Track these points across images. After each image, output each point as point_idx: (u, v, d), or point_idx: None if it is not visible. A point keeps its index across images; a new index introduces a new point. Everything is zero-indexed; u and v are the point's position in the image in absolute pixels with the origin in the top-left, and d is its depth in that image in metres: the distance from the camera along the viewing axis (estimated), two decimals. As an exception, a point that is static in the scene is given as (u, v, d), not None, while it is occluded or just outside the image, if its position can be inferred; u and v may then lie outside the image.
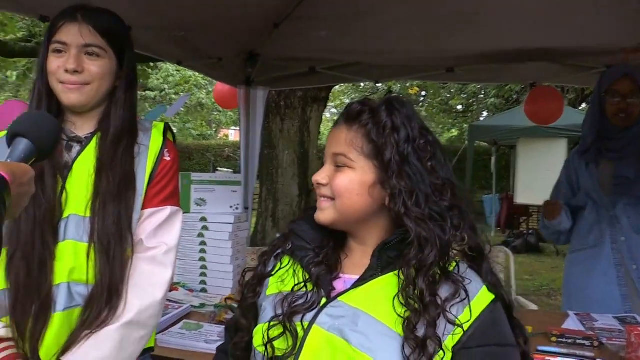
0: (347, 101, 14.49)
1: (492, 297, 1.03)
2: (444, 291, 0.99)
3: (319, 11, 3.09)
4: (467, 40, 3.13)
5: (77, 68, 1.36)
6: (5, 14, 6.57)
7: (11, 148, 1.01)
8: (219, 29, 3.22)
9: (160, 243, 1.40)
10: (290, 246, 1.15)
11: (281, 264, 1.16)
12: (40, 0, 2.50)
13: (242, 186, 2.29)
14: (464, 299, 0.98)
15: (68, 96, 1.39)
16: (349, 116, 1.11)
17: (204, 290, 2.38)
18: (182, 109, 18.37)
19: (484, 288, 1.03)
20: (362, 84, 13.80)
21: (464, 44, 3.21)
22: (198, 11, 2.90)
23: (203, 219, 2.31)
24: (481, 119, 16.75)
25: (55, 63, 1.38)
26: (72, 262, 1.33)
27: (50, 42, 1.40)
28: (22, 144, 1.01)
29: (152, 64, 9.23)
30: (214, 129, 25.03)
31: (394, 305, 0.99)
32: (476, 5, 2.71)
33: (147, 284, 1.34)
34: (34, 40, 7.30)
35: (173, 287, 2.27)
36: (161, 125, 1.54)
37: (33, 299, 1.29)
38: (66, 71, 1.36)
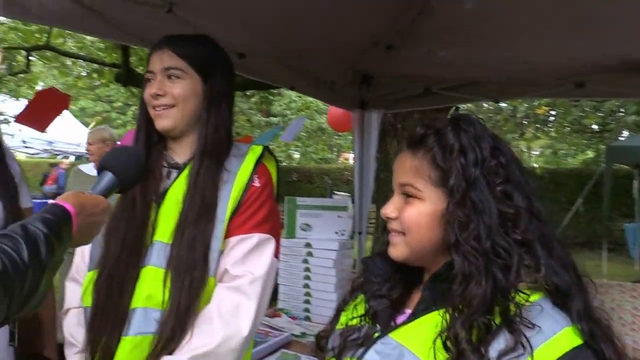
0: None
1: (578, 342, 0.83)
2: (500, 342, 0.83)
3: (431, 27, 2.95)
4: (599, 48, 2.82)
5: (159, 91, 1.41)
6: (145, 49, 7.16)
7: (97, 180, 1.09)
8: (331, 52, 3.20)
9: (246, 272, 1.34)
10: (361, 280, 1.12)
11: (355, 298, 1.12)
12: (237, 40, 2.61)
13: (348, 211, 2.20)
14: (523, 353, 0.81)
15: (158, 121, 1.44)
16: (412, 141, 1.02)
17: (307, 319, 2.32)
18: (303, 134, 18.90)
19: (568, 330, 0.84)
20: (484, 105, 13.22)
21: (595, 52, 2.90)
22: (310, 36, 2.90)
23: (308, 245, 2.26)
24: (620, 138, 15.31)
25: (146, 91, 1.45)
26: (151, 287, 1.33)
27: (146, 72, 1.47)
28: (106, 177, 1.13)
29: (274, 91, 9.58)
30: (335, 153, 25.43)
31: (434, 346, 0.87)
32: (611, 7, 2.41)
33: (229, 315, 1.28)
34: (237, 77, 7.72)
35: (275, 313, 2.23)
36: (258, 150, 1.51)
37: (109, 320, 1.31)
38: (152, 96, 1.43)
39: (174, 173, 1.47)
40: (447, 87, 3.65)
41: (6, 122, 11.06)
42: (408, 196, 1.02)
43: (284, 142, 19.88)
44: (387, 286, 1.05)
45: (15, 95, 12.19)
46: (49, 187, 14.65)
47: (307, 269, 2.28)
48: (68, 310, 1.44)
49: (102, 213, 1.05)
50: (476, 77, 3.60)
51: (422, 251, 1.00)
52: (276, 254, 1.44)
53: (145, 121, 1.49)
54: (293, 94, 17.22)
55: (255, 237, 1.39)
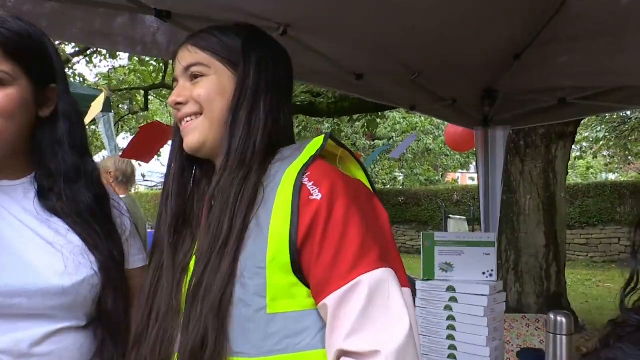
0: (593, 135, 12.86)
1: None
2: None
3: (567, 32, 2.62)
4: None
5: (178, 98, 1.09)
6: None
7: None
8: (453, 68, 2.95)
9: (372, 349, 0.84)
10: None
11: None
12: (355, 61, 2.51)
13: (495, 247, 1.87)
14: None
15: (184, 141, 1.12)
16: None
17: (453, 379, 1.98)
18: (409, 155, 18.49)
19: None
20: (614, 114, 12.10)
21: None
22: (430, 51, 2.67)
23: (450, 289, 1.90)
24: None
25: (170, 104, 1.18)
26: None
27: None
28: None
29: (380, 114, 9.38)
30: (440, 174, 24.67)
31: None
32: None
33: None
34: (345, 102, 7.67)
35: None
36: (317, 142, 0.99)
37: None
38: (173, 108, 1.14)
39: None
40: (586, 95, 3.22)
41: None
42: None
43: (388, 164, 19.60)
44: None
45: (135, 132, 13.03)
46: (167, 217, 15.41)
47: (451, 318, 1.91)
48: None
49: None
50: (621, 83, 3.15)
51: None
52: (403, 283, 0.94)
53: (180, 147, 1.13)
54: (397, 115, 16.92)
55: (362, 284, 0.87)
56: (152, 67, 9.46)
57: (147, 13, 1.86)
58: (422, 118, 16.54)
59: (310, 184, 0.92)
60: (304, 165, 0.95)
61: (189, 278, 1.01)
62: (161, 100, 12.77)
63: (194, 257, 1.03)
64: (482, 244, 1.88)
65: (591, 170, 22.39)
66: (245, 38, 1.09)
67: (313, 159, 0.96)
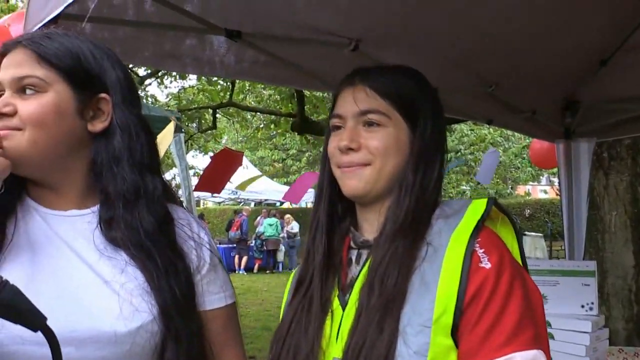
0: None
1: None
2: None
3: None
4: None
5: (351, 144, 1.03)
6: (317, 95, 7.30)
7: None
8: (533, 78, 2.77)
9: None
10: None
11: None
12: (342, 75, 2.46)
13: (596, 277, 1.69)
14: None
15: (345, 183, 1.05)
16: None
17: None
18: (477, 168, 17.98)
19: None
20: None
21: None
22: (509, 62, 2.53)
23: (546, 324, 1.73)
24: None
25: (332, 143, 1.08)
26: None
27: (330, 117, 1.11)
28: None
29: (447, 126, 9.16)
30: (510, 186, 23.83)
31: None
32: None
33: None
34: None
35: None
36: (480, 205, 0.99)
37: None
38: (340, 150, 1.04)
39: (365, 255, 1.06)
40: (684, 103, 2.95)
41: (197, 175, 12.11)
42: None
43: (455, 177, 19.11)
44: None
45: (204, 150, 13.37)
46: (234, 233, 15.71)
47: (550, 356, 1.74)
48: None
49: None
50: None
51: None
52: None
53: (329, 184, 1.10)
54: (465, 128, 16.50)
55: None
56: (219, 86, 9.68)
57: (218, 33, 1.84)
58: (491, 129, 16.02)
59: (481, 251, 0.93)
60: (474, 230, 0.95)
61: (334, 323, 1.01)
62: (228, 119, 13.06)
63: (336, 299, 1.03)
64: (580, 273, 1.69)
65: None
66: (418, 87, 1.08)
67: (482, 223, 0.96)
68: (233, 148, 20.98)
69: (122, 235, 1.00)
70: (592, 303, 1.70)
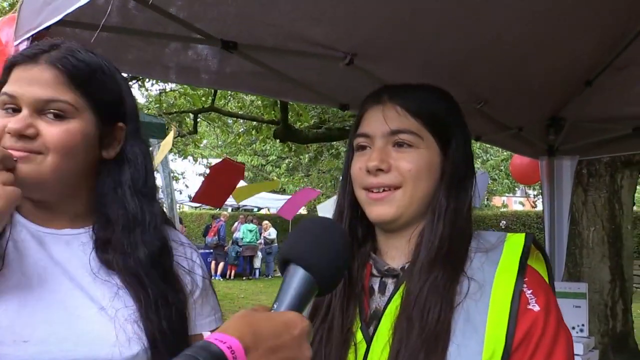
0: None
1: None
2: None
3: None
4: None
5: (381, 164, 0.97)
6: (301, 104, 7.28)
7: (282, 284, 0.69)
8: (521, 95, 2.82)
9: None
10: None
11: None
12: (338, 89, 2.46)
13: (587, 299, 1.70)
14: None
15: (373, 208, 0.99)
16: None
17: None
18: (455, 180, 18.14)
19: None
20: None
21: None
22: (498, 79, 2.55)
23: None
24: None
25: (358, 164, 1.02)
26: None
27: (354, 136, 1.06)
28: (299, 279, 0.69)
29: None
30: (486, 197, 24.11)
31: None
32: None
33: None
34: (324, 125, 7.92)
35: None
36: (519, 241, 0.96)
37: None
38: (369, 172, 0.99)
39: (391, 284, 1.00)
40: (665, 125, 3.01)
41: (175, 179, 11.98)
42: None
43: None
44: None
45: (184, 154, 13.23)
46: (211, 238, 15.55)
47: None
48: None
49: (299, 343, 0.63)
50: None
51: None
52: None
53: (350, 206, 1.05)
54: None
55: None
56: (201, 91, 9.60)
57: (214, 44, 1.81)
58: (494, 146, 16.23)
59: (529, 292, 0.90)
60: (520, 268, 0.91)
61: (358, 357, 0.94)
62: (209, 123, 12.96)
63: (359, 331, 0.97)
64: (572, 295, 1.70)
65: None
66: (448, 107, 1.04)
67: (525, 260, 0.93)
68: (213, 153, 20.82)
69: (116, 259, 0.98)
70: (583, 325, 1.71)
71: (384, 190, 0.98)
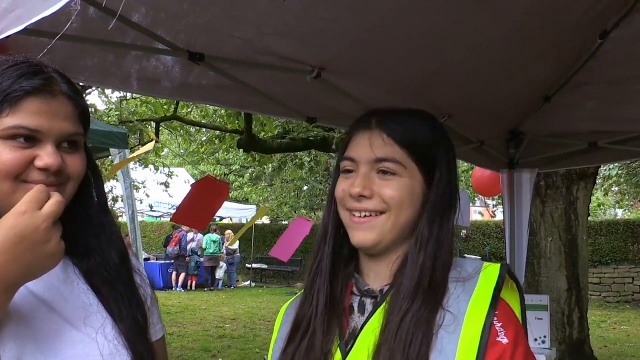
0: (605, 173, 12.75)
1: None
2: None
3: (600, 76, 2.56)
4: None
5: (365, 191, 0.98)
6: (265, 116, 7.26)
7: None
8: (482, 110, 2.88)
9: None
10: None
11: None
12: (306, 103, 2.46)
13: (549, 312, 1.74)
14: None
15: (356, 233, 1.00)
16: None
17: None
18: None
19: None
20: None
21: None
22: (462, 94, 2.61)
23: None
24: None
25: (342, 187, 1.03)
26: None
27: (342, 158, 1.06)
28: None
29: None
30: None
31: None
32: None
33: None
34: (288, 136, 7.91)
35: None
36: (494, 273, 0.97)
37: None
38: (352, 197, 1.00)
39: (370, 305, 1.02)
40: (619, 140, 3.13)
41: (136, 188, 11.72)
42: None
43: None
44: None
45: (145, 163, 12.99)
46: (172, 248, 15.27)
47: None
48: None
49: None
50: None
51: None
52: None
53: (335, 227, 1.06)
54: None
55: None
56: (164, 100, 9.46)
57: (180, 56, 1.79)
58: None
59: (499, 325, 0.91)
60: (492, 301, 0.93)
61: None
62: (171, 132, 12.77)
63: (338, 350, 0.98)
64: (534, 307, 1.75)
65: (601, 207, 22.17)
66: (435, 136, 1.04)
67: (499, 292, 0.94)
68: (175, 162, 20.48)
69: (90, 265, 1.01)
70: (545, 337, 1.75)
71: (366, 216, 0.99)
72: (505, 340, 0.90)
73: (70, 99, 0.94)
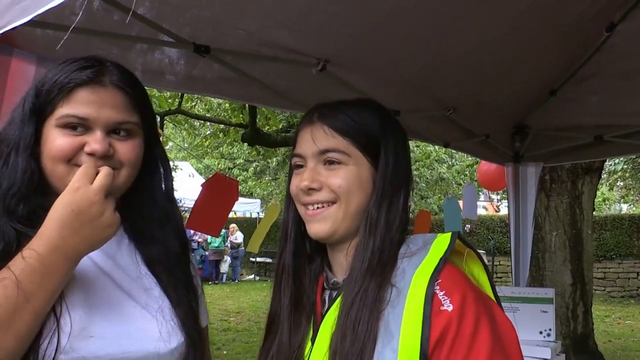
0: (611, 167, 12.70)
1: None
2: None
3: (606, 69, 2.54)
4: None
5: (312, 184, 1.02)
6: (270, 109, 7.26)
7: None
8: (487, 103, 2.87)
9: None
10: None
11: None
12: (311, 96, 2.45)
13: (554, 305, 1.74)
14: None
15: (311, 225, 1.04)
16: None
17: None
18: (423, 184, 18.34)
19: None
20: None
21: None
22: (467, 87, 2.60)
23: None
24: None
25: (294, 183, 1.07)
26: None
27: (292, 155, 1.11)
28: None
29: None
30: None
31: None
32: None
33: None
34: (292, 129, 7.91)
35: None
36: (444, 241, 0.97)
37: None
38: (302, 191, 1.04)
39: (334, 295, 1.05)
40: (625, 133, 3.11)
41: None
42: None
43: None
44: None
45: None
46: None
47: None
48: None
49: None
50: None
51: None
52: None
53: (295, 223, 1.09)
54: (411, 144, 16.81)
55: None
56: (168, 93, 9.47)
57: (185, 48, 1.79)
58: (436, 147, 16.43)
59: (442, 293, 0.90)
60: (434, 271, 0.91)
61: None
62: (175, 125, 12.79)
63: (309, 344, 1.02)
64: (539, 300, 1.74)
65: (606, 202, 22.10)
66: (379, 122, 1.06)
67: (443, 262, 0.93)
68: (179, 156, 20.47)
69: (153, 252, 1.08)
70: (550, 329, 1.75)
71: (318, 208, 1.02)
72: (450, 308, 0.88)
73: (121, 89, 0.99)
